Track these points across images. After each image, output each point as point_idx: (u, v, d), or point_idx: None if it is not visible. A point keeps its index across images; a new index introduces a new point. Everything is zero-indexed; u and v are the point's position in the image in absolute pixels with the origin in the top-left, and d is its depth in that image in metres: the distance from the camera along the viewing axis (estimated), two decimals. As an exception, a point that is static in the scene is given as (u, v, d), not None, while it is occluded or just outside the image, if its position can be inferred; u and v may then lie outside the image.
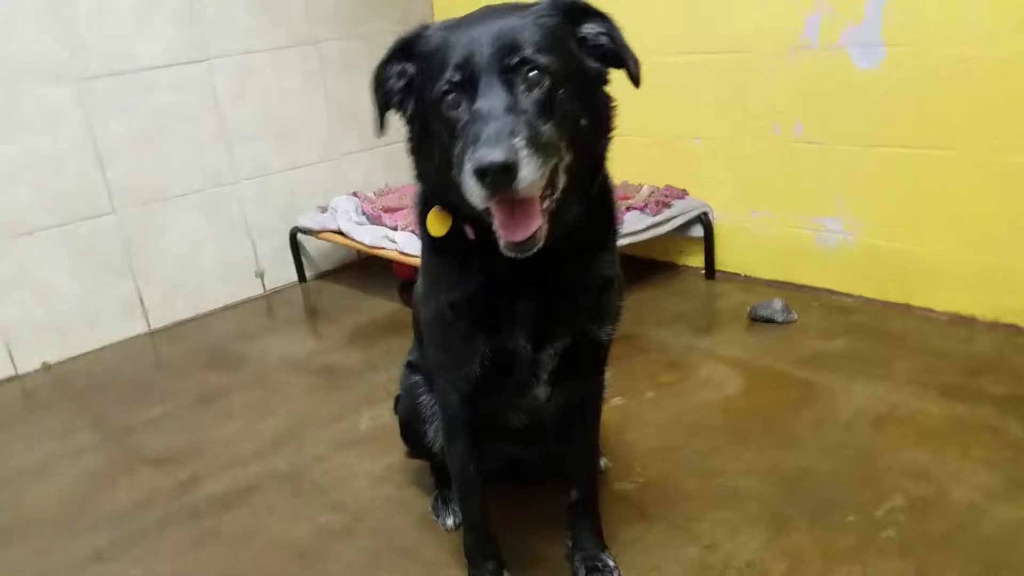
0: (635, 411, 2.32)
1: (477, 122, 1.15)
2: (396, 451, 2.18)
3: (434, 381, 1.66)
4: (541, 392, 1.56)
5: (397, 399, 2.04)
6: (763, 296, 2.89)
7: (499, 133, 1.11)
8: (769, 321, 2.75)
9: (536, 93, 1.19)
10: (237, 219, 3.68)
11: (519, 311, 1.41)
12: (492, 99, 1.17)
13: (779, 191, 3.00)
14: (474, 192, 1.12)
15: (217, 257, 3.64)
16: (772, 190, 3.02)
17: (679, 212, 3.15)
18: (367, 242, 3.36)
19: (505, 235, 1.19)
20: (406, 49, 1.32)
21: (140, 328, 3.46)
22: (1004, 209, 2.45)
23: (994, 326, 2.55)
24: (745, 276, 3.21)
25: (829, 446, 2.05)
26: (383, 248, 3.28)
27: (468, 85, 1.19)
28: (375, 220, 3.47)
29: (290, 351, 3.10)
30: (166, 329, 3.49)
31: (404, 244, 3.12)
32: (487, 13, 1.27)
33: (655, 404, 2.35)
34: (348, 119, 3.95)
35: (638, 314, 2.99)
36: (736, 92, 3.01)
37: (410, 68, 1.32)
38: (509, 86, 1.18)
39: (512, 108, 1.16)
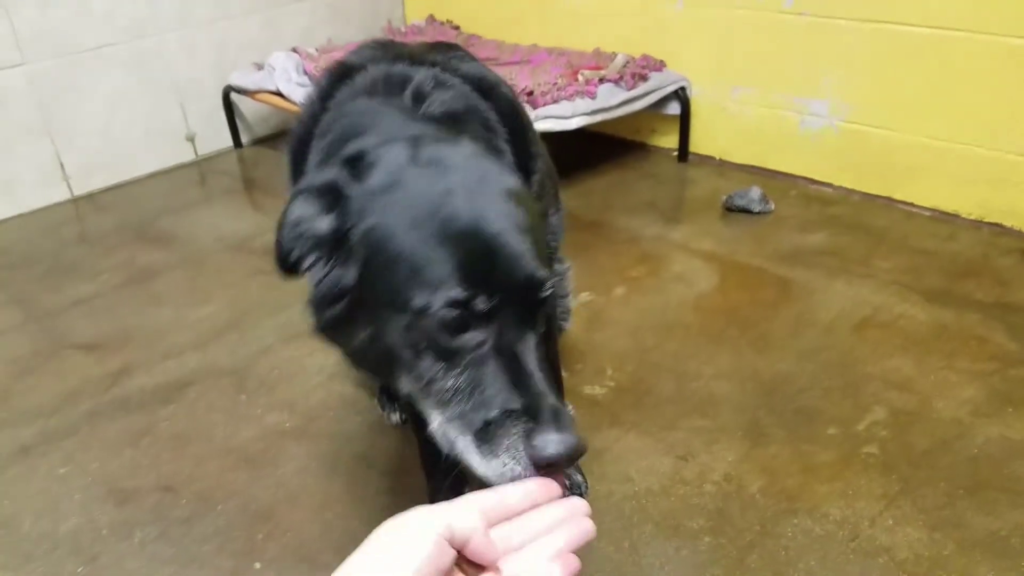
0: (604, 308, 2.18)
1: (507, 375, 0.82)
2: (348, 345, 2.02)
3: None
4: None
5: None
6: (737, 182, 2.73)
7: (561, 409, 0.80)
8: (745, 211, 2.60)
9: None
10: (163, 76, 3.28)
11: None
12: (530, 353, 0.84)
13: (764, 67, 2.77)
14: (493, 470, 0.80)
15: (143, 118, 3.28)
16: (756, 65, 2.79)
17: (656, 86, 2.90)
18: (311, 107, 3.05)
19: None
20: (333, 199, 0.90)
21: (62, 195, 3.15)
22: (1000, 97, 2.29)
23: (978, 224, 2.45)
24: (720, 160, 3.02)
25: (808, 350, 1.96)
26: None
27: (483, 314, 0.83)
28: (319, 82, 3.14)
29: (227, 228, 2.84)
30: (90, 196, 3.18)
31: (354, 112, 2.83)
32: (473, 180, 0.89)
33: (625, 301, 2.21)
34: (288, -37, 3.51)
35: (606, 199, 2.81)
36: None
37: (330, 223, 0.91)
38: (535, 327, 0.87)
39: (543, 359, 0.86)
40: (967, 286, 2.15)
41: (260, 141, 3.63)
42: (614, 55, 3.02)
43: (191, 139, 3.45)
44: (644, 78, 2.89)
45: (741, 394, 1.83)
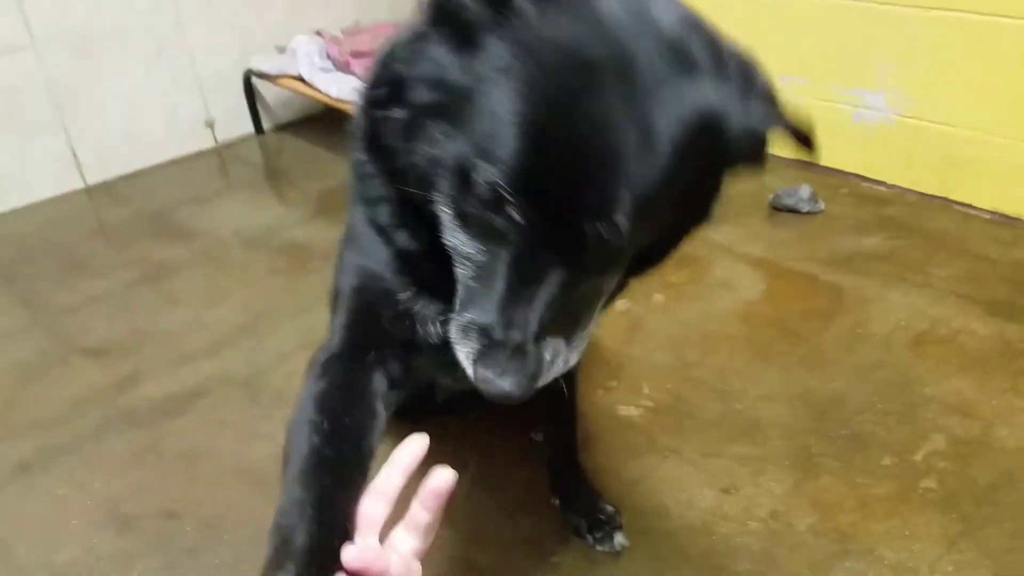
0: (642, 318, 2.05)
1: (506, 288, 0.76)
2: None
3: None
4: None
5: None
6: (785, 178, 2.55)
7: (526, 352, 0.76)
8: (793, 211, 2.44)
9: None
10: (182, 61, 3.16)
11: None
12: (546, 284, 0.78)
13: (815, 56, 2.58)
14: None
15: (160, 104, 3.17)
16: (807, 54, 2.60)
17: (695, 76, 2.73)
18: (333, 93, 2.93)
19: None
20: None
21: (75, 184, 3.05)
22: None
23: (1042, 228, 2.27)
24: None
25: (863, 368, 1.81)
26: (352, 102, 2.85)
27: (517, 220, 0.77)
28: (342, 67, 3.02)
29: (247, 222, 2.73)
30: (105, 185, 3.08)
31: (377, 101, 2.70)
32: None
33: (665, 309, 2.07)
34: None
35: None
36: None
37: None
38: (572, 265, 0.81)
39: None
40: (1034, 298, 1.99)
41: (283, 127, 3.51)
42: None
43: (211, 125, 3.34)
44: (683, 65, 2.71)
45: (790, 417, 1.70)
